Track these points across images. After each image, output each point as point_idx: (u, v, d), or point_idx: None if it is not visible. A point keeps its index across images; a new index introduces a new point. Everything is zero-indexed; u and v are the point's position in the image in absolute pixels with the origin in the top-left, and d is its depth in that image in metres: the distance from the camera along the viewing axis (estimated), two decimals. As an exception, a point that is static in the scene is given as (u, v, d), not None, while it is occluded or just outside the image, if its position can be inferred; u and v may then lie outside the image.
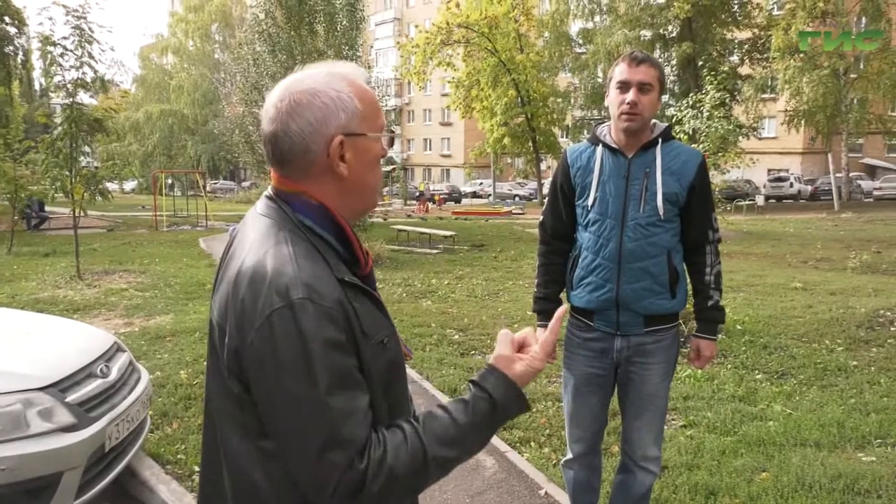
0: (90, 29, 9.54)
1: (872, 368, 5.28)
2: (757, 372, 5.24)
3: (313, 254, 1.09)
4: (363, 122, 1.15)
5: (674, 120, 7.88)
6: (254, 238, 1.12)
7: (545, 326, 2.60)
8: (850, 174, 33.33)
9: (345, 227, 1.15)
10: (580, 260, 2.42)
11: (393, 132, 1.23)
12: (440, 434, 1.07)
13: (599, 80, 31.90)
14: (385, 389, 1.13)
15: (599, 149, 2.38)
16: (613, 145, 2.36)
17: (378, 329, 1.12)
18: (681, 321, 2.64)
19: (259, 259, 1.07)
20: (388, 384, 1.14)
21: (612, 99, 2.31)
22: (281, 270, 1.04)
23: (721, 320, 2.51)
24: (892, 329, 6.38)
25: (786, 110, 29.71)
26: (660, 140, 2.34)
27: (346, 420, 1.01)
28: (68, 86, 9.57)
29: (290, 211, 1.14)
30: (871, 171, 39.41)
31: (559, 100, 33.78)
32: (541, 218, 2.61)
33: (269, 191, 1.20)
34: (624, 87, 2.26)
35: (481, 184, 47.99)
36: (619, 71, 2.27)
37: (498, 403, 1.13)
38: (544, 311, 2.60)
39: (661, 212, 2.30)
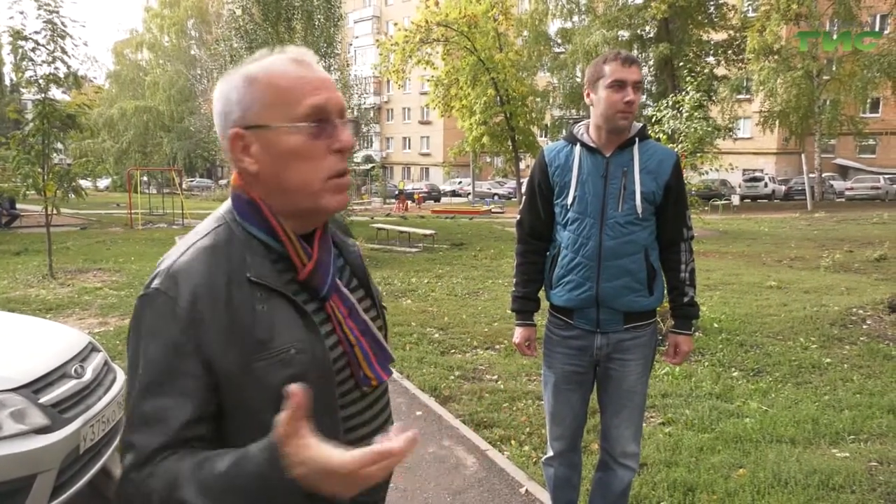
0: (63, 23, 9.39)
1: (846, 366, 5.37)
2: (733, 369, 5.31)
3: (226, 248, 1.04)
4: (267, 112, 1.03)
5: (653, 120, 7.94)
6: (194, 228, 1.13)
7: (524, 325, 2.60)
8: (823, 174, 33.87)
9: (273, 225, 1.06)
10: (559, 258, 2.43)
11: (319, 121, 1.05)
12: (201, 477, 0.92)
13: (578, 80, 32.06)
14: (281, 407, 0.98)
15: (577, 148, 2.39)
16: (591, 144, 2.38)
17: (284, 340, 1.01)
18: (658, 318, 2.67)
19: (173, 248, 1.09)
20: (286, 402, 1.01)
21: (605, 97, 2.28)
22: (167, 258, 1.05)
23: (696, 316, 2.56)
24: (864, 327, 6.49)
25: (760, 111, 30.15)
26: (637, 139, 2.37)
27: (144, 426, 0.96)
28: (40, 81, 9.39)
29: (231, 204, 1.11)
30: (843, 172, 40.10)
31: (538, 99, 33.90)
32: (518, 217, 2.61)
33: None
34: (620, 85, 2.26)
35: (460, 182, 48.03)
36: (612, 70, 2.27)
37: (258, 471, 0.89)
38: (523, 310, 2.61)
39: (639, 210, 2.32)
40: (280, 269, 1.07)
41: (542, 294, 2.62)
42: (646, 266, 2.37)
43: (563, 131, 33.78)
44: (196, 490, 0.91)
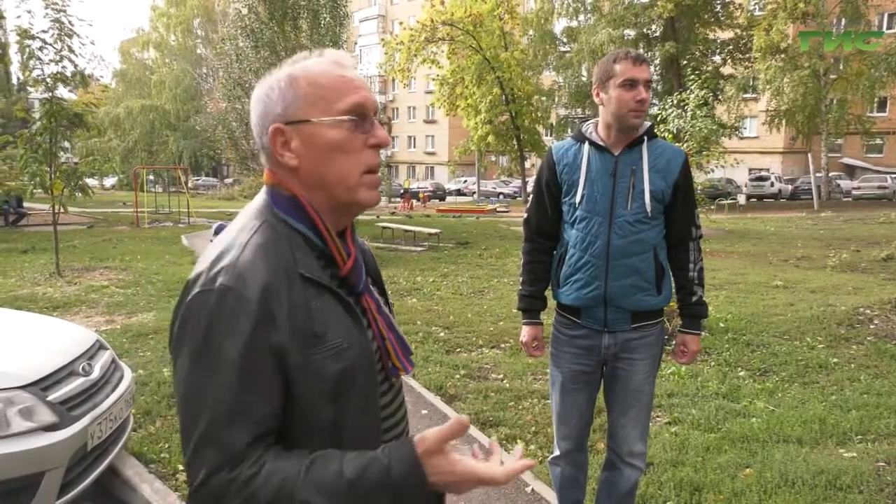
0: (70, 22, 9.40)
1: (852, 365, 5.35)
2: (740, 369, 5.29)
3: (276, 244, 1.06)
4: (310, 108, 1.08)
5: (658, 119, 7.93)
6: (232, 226, 1.13)
7: (531, 324, 2.59)
8: (830, 174, 33.66)
9: (315, 221, 1.10)
10: (567, 257, 2.42)
11: (359, 117, 1.10)
12: (320, 479, 0.98)
13: (584, 79, 32.00)
14: (333, 398, 1.06)
15: (586, 146, 2.39)
16: (600, 143, 2.37)
17: (336, 334, 1.06)
18: (665, 318, 2.66)
19: (217, 244, 1.08)
20: (337, 394, 1.06)
21: (616, 96, 2.27)
22: (224, 255, 1.04)
23: (705, 315, 2.55)
24: (871, 327, 6.47)
25: (767, 110, 29.98)
26: (645, 138, 2.36)
27: (231, 423, 0.98)
28: (47, 80, 9.41)
29: (271, 202, 1.13)
30: (850, 171, 39.90)
31: (543, 98, 33.90)
32: (525, 215, 2.60)
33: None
34: (632, 84, 2.26)
35: (465, 182, 48.02)
36: (623, 69, 2.26)
37: (392, 481, 0.98)
38: (530, 309, 2.60)
39: (648, 209, 2.31)
40: (322, 265, 1.11)
41: (548, 293, 2.61)
42: (654, 265, 2.36)
43: (569, 130, 33.83)
44: (314, 492, 0.97)
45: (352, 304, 1.12)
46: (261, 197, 1.16)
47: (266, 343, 1.00)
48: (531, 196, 2.58)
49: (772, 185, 36.61)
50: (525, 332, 2.61)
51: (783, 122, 29.44)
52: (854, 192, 33.76)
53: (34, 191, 10.01)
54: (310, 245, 1.10)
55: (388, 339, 1.18)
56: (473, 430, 4.09)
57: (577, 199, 2.36)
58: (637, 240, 2.33)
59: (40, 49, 9.32)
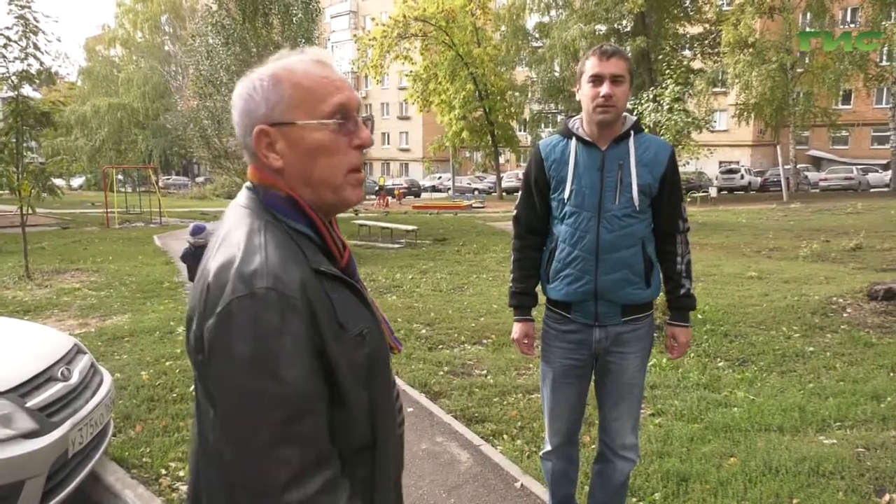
0: (35, 19, 9.20)
1: (828, 354, 5.45)
2: (719, 360, 5.36)
3: (287, 244, 1.06)
4: (294, 110, 1.09)
5: (633, 113, 8.00)
6: (229, 228, 1.11)
7: (522, 321, 2.59)
8: (798, 166, 34.31)
9: (314, 218, 1.11)
10: (557, 252, 2.42)
11: (343, 118, 1.11)
12: None
13: (556, 75, 32.16)
14: (366, 381, 1.11)
15: (573, 142, 2.39)
16: (587, 138, 2.37)
17: (357, 321, 1.10)
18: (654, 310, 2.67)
19: (230, 248, 1.05)
20: (368, 377, 1.11)
21: (586, 93, 2.31)
22: (248, 259, 1.02)
23: (693, 307, 2.55)
24: (844, 315, 6.59)
25: (736, 104, 30.44)
26: (632, 132, 2.37)
27: (309, 414, 0.99)
28: (12, 78, 9.20)
29: (264, 202, 1.12)
30: (817, 163, 40.70)
31: (517, 93, 34.00)
32: (514, 213, 2.59)
33: (248, 182, 1.18)
34: (597, 80, 2.27)
35: (440, 178, 47.95)
36: (591, 65, 2.28)
37: None
38: (521, 305, 2.59)
39: (636, 203, 2.32)
40: (325, 258, 1.13)
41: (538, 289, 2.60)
42: (643, 258, 2.38)
43: (543, 125, 33.92)
44: None
45: (361, 291, 1.15)
46: (247, 196, 1.14)
47: (314, 340, 1.02)
48: (520, 193, 2.58)
49: (742, 177, 37.16)
50: (516, 329, 2.60)
51: (752, 115, 29.92)
52: (821, 184, 34.43)
53: (0, 192, 9.76)
54: (311, 242, 1.11)
55: (381, 321, 1.22)
56: (461, 428, 4.08)
57: (566, 194, 2.36)
58: (626, 234, 2.34)
59: (4, 46, 9.11)
